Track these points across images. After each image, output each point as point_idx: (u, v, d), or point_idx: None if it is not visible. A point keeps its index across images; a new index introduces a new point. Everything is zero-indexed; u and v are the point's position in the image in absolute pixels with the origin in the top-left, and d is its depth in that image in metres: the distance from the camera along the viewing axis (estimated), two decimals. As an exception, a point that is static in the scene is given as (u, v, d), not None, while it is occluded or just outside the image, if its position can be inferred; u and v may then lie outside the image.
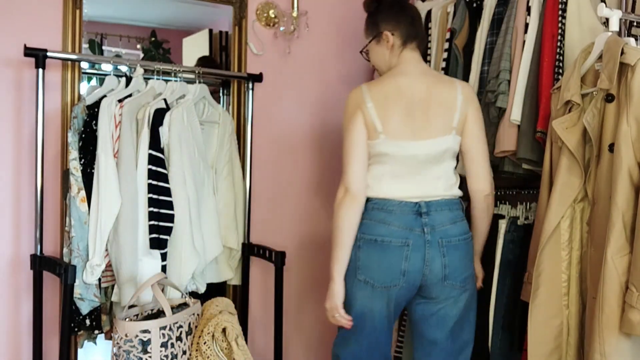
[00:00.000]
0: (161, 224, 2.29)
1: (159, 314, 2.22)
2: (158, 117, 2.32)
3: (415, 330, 2.14)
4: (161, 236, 2.29)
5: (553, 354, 1.96)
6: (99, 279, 2.28)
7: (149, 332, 2.05)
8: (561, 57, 2.14)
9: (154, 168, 2.30)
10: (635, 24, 2.15)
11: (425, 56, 2.75)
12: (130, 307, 2.19)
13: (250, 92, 2.76)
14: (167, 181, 2.32)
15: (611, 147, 1.78)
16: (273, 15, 2.86)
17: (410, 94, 2.03)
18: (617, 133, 1.75)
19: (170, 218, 2.31)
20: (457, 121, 2.04)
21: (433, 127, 2.02)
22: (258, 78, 2.77)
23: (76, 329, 2.28)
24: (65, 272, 2.10)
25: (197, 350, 2.15)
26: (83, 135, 2.30)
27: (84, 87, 2.50)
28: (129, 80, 2.41)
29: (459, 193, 2.11)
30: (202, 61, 2.84)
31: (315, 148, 3.03)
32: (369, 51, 2.21)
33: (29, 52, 2.24)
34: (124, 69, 2.50)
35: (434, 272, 1.99)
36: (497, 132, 2.29)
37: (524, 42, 2.24)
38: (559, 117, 1.94)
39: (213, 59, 2.87)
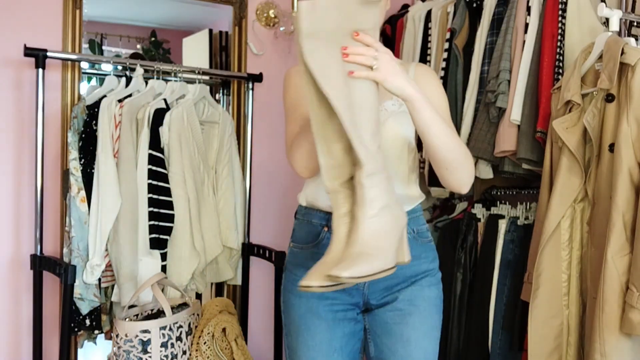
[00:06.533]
0: (161, 224, 2.29)
1: (159, 314, 2.22)
2: (158, 117, 2.32)
3: None
4: (161, 236, 2.30)
5: (553, 354, 1.95)
6: (99, 279, 2.28)
7: (149, 332, 2.05)
8: (561, 57, 2.14)
9: (154, 168, 2.29)
10: (635, 24, 2.15)
11: (425, 56, 2.75)
12: (130, 307, 2.19)
13: (250, 92, 2.76)
14: (167, 181, 2.32)
15: (611, 147, 1.78)
16: (273, 15, 2.86)
17: None
18: (617, 133, 1.75)
19: (170, 218, 2.31)
20: None
21: None
22: (258, 78, 2.77)
23: (76, 329, 2.28)
24: (65, 272, 2.10)
25: (197, 350, 2.15)
26: (83, 135, 2.29)
27: (84, 87, 2.50)
28: (129, 80, 2.41)
29: None
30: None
31: (315, 148, 3.02)
32: None
33: (29, 52, 2.24)
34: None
35: None
36: (497, 132, 2.29)
37: (524, 42, 2.23)
38: (559, 117, 1.94)
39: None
